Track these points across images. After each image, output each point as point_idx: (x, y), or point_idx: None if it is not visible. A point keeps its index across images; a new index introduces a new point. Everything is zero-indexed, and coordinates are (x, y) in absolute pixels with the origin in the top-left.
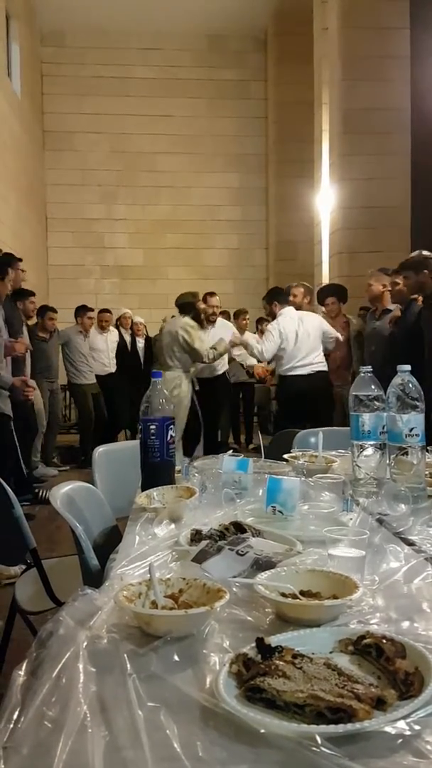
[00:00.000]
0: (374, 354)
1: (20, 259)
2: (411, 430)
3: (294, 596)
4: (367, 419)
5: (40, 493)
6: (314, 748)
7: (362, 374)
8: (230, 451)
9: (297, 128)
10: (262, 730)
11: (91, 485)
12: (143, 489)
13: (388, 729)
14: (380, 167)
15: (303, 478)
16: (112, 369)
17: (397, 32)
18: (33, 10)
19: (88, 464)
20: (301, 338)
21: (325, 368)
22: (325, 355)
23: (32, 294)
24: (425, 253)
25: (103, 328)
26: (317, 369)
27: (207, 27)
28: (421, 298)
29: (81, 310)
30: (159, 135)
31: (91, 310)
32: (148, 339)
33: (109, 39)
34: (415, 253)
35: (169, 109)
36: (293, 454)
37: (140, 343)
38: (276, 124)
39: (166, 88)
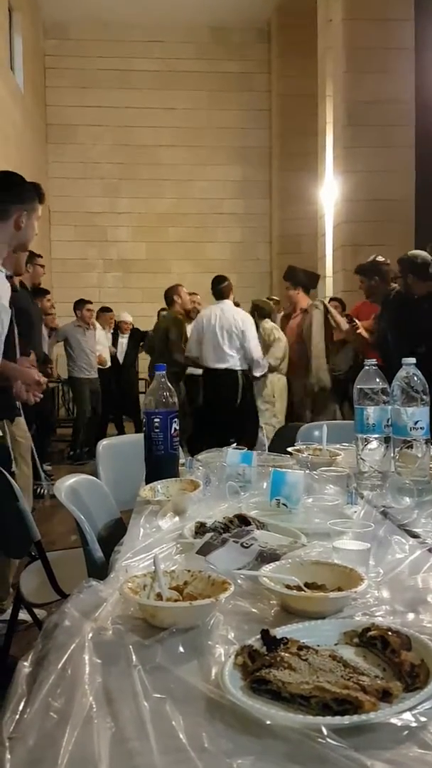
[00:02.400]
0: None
1: (40, 255)
2: (416, 423)
3: (299, 588)
4: (371, 412)
5: (38, 490)
6: (320, 740)
7: (367, 367)
8: (234, 444)
9: (300, 121)
10: (268, 722)
11: (95, 478)
12: (147, 482)
13: (393, 721)
14: (384, 160)
15: (307, 471)
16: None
17: (401, 24)
18: (36, 2)
19: (77, 460)
20: None
21: None
22: None
23: (47, 292)
24: (379, 258)
25: (107, 323)
26: None
27: (210, 19)
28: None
29: (80, 304)
30: (162, 128)
31: (90, 302)
32: (133, 335)
33: (112, 31)
34: (370, 258)
35: (171, 102)
36: (297, 447)
37: (123, 339)
38: (279, 116)
39: (169, 81)
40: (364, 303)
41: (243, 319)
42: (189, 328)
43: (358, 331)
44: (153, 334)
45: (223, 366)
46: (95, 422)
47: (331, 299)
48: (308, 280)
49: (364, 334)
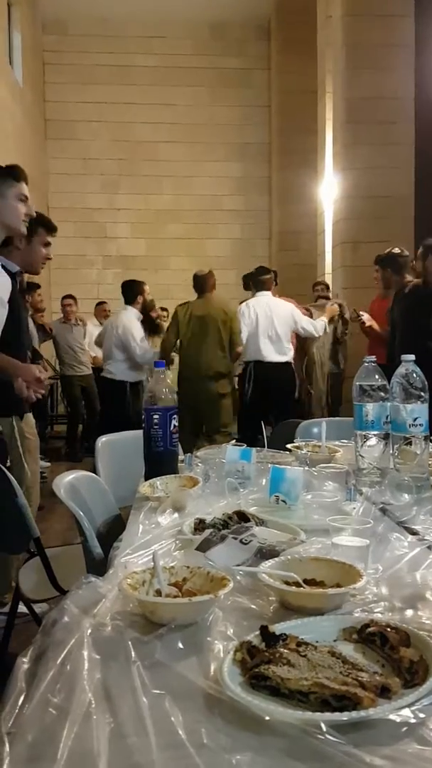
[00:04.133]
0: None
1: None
2: (415, 420)
3: (298, 585)
4: (370, 409)
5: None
6: (319, 736)
7: (366, 364)
8: (233, 441)
9: (300, 117)
10: (267, 718)
11: (94, 475)
12: (146, 478)
13: (392, 717)
14: (384, 157)
15: (306, 468)
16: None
17: (401, 20)
18: None
19: (74, 458)
20: None
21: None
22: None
23: (38, 286)
24: (395, 250)
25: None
26: None
27: (209, 15)
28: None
29: (63, 299)
30: (161, 124)
31: (70, 296)
32: None
33: (111, 27)
34: (387, 250)
35: (171, 98)
36: (296, 444)
37: None
38: (279, 113)
39: (168, 77)
40: (374, 302)
41: (290, 307)
42: None
43: (368, 325)
44: (187, 326)
45: (284, 359)
46: (91, 419)
47: (316, 284)
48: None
49: (376, 327)
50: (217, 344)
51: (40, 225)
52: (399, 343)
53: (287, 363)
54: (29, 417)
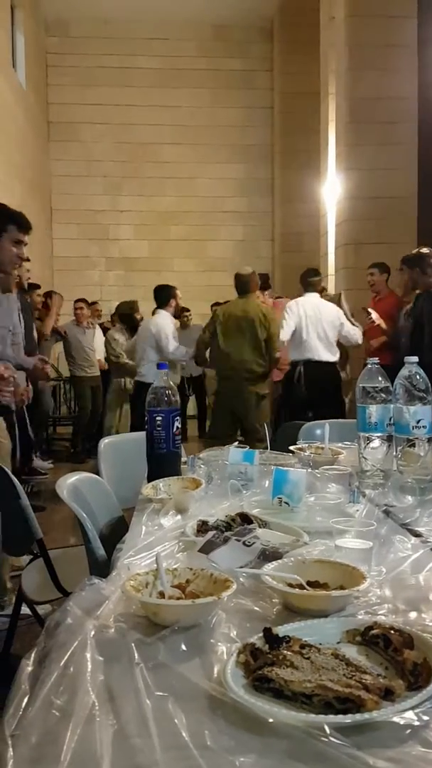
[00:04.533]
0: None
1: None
2: (418, 421)
3: (301, 587)
4: (374, 411)
5: (25, 487)
6: (322, 738)
7: (369, 366)
8: (236, 443)
9: (303, 118)
10: (270, 720)
11: (97, 476)
12: (149, 480)
13: (396, 719)
14: (386, 157)
15: (309, 470)
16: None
17: (404, 21)
18: (37, 0)
19: (78, 458)
20: None
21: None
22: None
23: (38, 287)
24: (424, 250)
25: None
26: None
27: (212, 16)
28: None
29: (75, 302)
30: (163, 126)
31: (80, 300)
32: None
33: (114, 28)
34: (415, 250)
35: (173, 100)
36: (299, 446)
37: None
38: (282, 114)
39: (171, 79)
40: (371, 304)
41: (337, 309)
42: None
43: (376, 324)
44: (225, 325)
45: (333, 359)
46: (95, 420)
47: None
48: (263, 282)
49: (383, 326)
50: (254, 345)
51: (11, 222)
52: (429, 342)
53: (335, 363)
54: (1, 421)
